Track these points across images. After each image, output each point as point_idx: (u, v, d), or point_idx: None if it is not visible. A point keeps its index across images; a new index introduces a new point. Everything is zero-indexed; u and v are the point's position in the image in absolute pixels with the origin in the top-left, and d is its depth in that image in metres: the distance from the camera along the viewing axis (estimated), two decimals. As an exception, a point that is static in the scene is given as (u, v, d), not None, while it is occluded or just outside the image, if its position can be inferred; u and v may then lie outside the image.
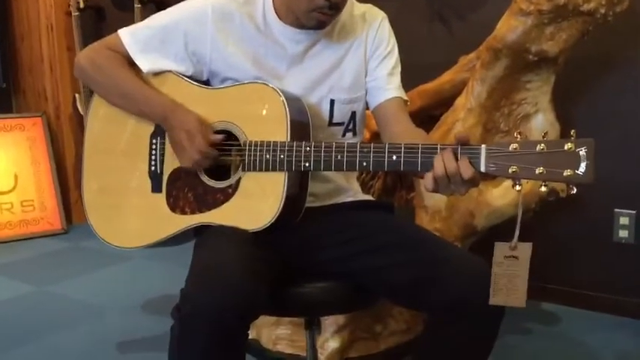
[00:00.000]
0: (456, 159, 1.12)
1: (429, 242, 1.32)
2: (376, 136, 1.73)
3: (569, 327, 2.37)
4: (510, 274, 1.15)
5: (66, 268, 3.15)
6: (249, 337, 1.19)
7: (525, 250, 1.14)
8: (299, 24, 1.37)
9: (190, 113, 1.34)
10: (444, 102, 2.13)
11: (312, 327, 1.52)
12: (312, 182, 1.36)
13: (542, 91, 1.94)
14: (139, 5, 3.44)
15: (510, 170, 1.09)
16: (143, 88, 1.39)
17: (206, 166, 1.34)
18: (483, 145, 1.12)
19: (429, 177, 1.15)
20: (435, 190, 1.16)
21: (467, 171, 1.11)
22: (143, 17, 1.50)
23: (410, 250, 1.29)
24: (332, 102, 1.43)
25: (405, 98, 1.47)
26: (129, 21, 1.46)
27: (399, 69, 1.49)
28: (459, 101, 2.00)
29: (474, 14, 2.56)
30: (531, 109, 1.96)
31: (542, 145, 1.07)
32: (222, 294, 1.09)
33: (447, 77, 2.20)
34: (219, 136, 1.32)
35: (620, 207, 2.41)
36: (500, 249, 1.15)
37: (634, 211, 2.39)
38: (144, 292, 2.74)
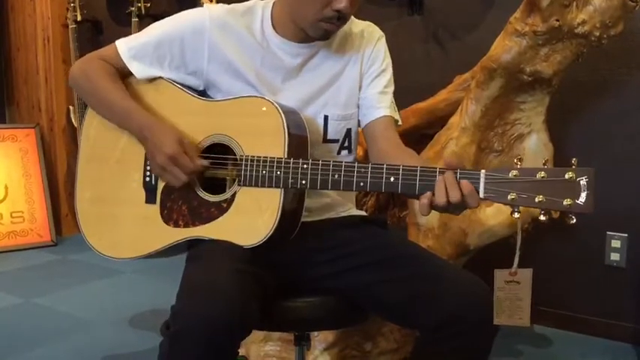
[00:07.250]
0: (459, 186, 1.11)
1: (423, 259, 1.31)
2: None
3: (560, 350, 2.35)
4: (513, 297, 1.14)
5: (54, 281, 3.12)
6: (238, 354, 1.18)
7: (526, 275, 1.14)
8: (298, 37, 1.38)
9: (169, 133, 1.29)
10: (439, 121, 2.13)
11: (302, 343, 1.50)
12: (308, 197, 1.35)
13: (536, 112, 1.95)
14: (137, 19, 3.45)
15: (509, 197, 1.08)
16: (124, 101, 1.36)
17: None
18: (483, 171, 1.11)
19: (424, 203, 1.13)
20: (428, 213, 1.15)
21: (472, 198, 1.10)
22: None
23: (404, 267, 1.28)
24: (326, 118, 1.42)
25: (397, 118, 1.47)
26: (126, 35, 1.45)
27: (391, 88, 1.48)
28: (453, 120, 2.00)
29: (469, 35, 2.59)
30: (525, 130, 1.96)
31: (543, 172, 1.06)
32: (214, 312, 1.07)
33: (441, 96, 2.21)
34: (205, 162, 1.30)
35: (612, 230, 2.41)
36: (501, 275, 1.15)
37: (626, 235, 2.39)
38: (132, 307, 2.71)
